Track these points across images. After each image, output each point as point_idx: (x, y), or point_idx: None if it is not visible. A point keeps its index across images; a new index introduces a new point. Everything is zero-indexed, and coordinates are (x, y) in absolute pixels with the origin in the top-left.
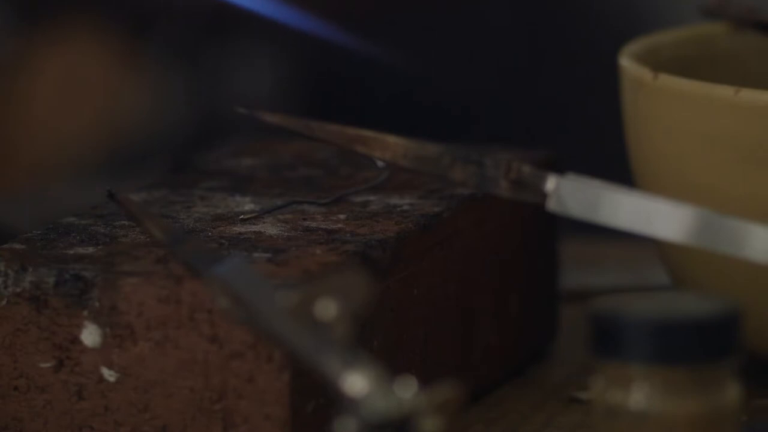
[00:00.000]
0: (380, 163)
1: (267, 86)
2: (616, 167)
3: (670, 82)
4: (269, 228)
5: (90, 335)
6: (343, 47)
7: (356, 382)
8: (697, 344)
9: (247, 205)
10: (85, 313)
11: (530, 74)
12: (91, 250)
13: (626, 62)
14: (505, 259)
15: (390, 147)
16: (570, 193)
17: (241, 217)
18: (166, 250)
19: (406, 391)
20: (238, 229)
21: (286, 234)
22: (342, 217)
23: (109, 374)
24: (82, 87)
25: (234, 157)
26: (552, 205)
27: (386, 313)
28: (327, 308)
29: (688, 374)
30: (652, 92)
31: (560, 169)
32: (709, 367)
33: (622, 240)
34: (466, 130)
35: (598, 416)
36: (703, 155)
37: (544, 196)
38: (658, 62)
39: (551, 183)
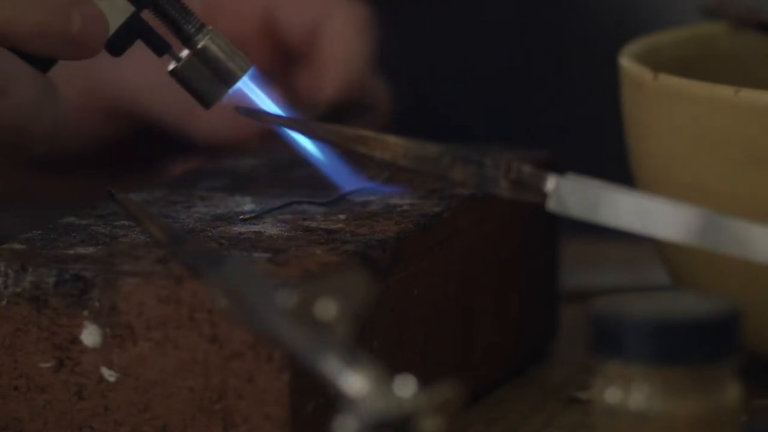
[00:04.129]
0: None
1: None
2: (616, 167)
3: (670, 82)
4: (269, 228)
5: (90, 335)
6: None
7: (356, 382)
8: (697, 344)
9: (247, 205)
10: (85, 313)
11: (530, 74)
12: (91, 250)
13: (626, 62)
14: (505, 259)
15: (390, 147)
16: (570, 193)
17: (241, 217)
18: (166, 250)
19: (406, 391)
20: (238, 229)
21: (286, 234)
22: (342, 217)
23: (109, 374)
24: None
25: (234, 157)
26: (552, 205)
27: (386, 313)
28: (327, 308)
29: (688, 374)
30: (652, 92)
31: (560, 169)
32: (709, 367)
33: (622, 240)
34: (466, 130)
35: (598, 416)
36: (703, 155)
37: (544, 196)
38: (658, 62)
39: (551, 183)
